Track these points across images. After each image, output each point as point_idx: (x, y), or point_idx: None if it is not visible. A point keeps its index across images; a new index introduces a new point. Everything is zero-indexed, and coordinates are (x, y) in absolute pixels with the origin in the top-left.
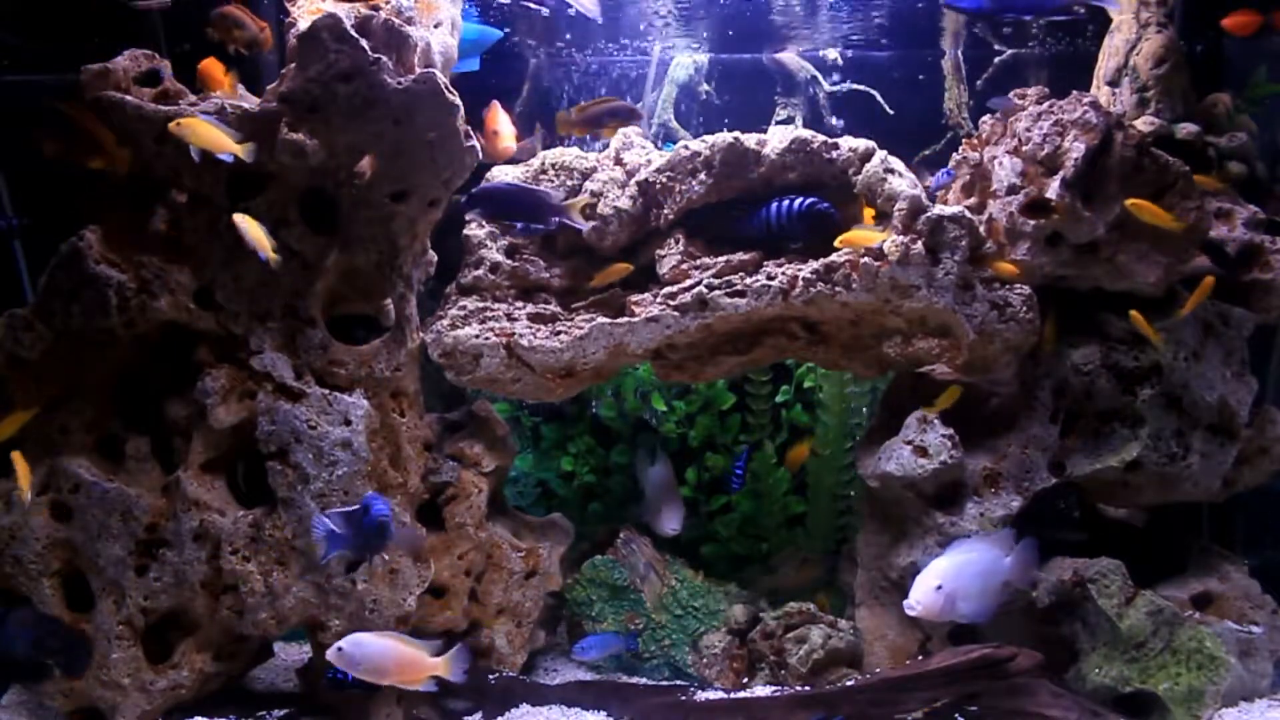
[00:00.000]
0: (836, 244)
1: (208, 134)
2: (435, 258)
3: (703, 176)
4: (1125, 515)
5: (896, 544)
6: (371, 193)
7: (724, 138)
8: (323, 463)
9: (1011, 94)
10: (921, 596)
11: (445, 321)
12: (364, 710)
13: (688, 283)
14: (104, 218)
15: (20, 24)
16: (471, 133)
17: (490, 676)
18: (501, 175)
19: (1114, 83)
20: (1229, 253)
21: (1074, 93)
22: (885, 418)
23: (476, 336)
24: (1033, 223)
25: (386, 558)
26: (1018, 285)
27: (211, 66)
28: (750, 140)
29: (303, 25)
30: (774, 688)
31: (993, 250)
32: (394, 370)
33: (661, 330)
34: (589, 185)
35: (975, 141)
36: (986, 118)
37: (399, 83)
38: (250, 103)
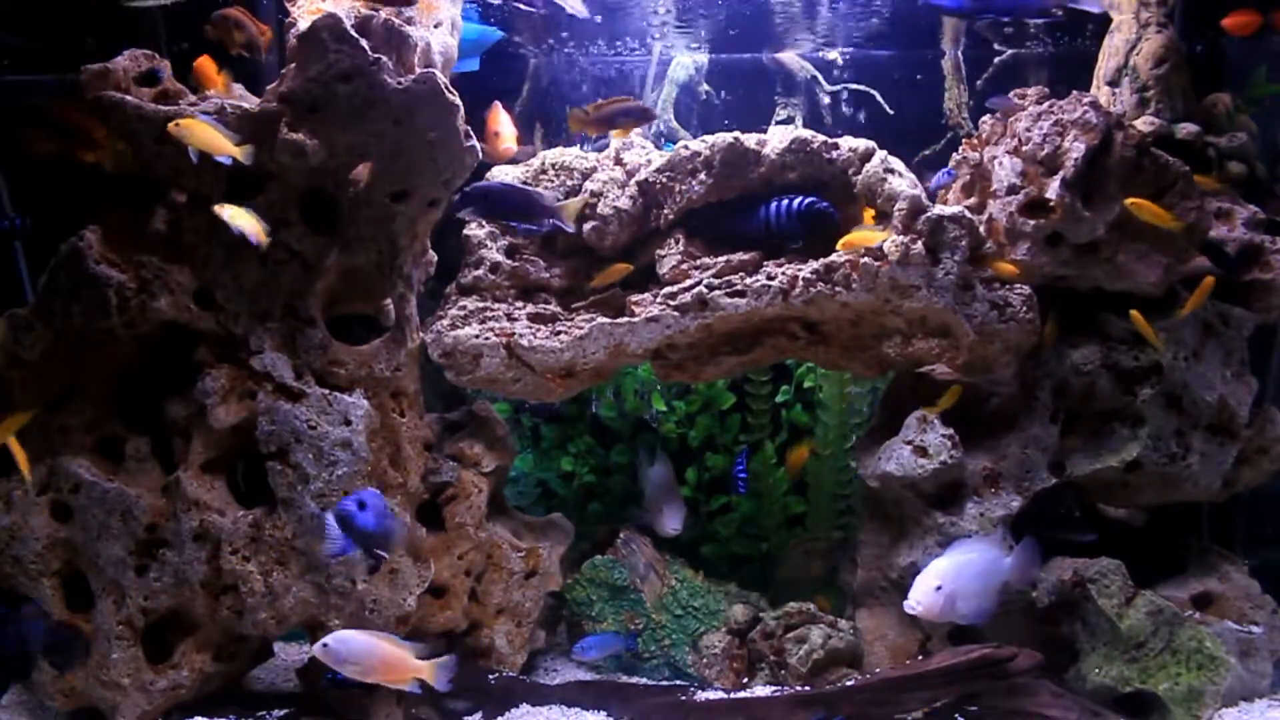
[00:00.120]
0: (838, 248)
1: (206, 135)
2: (435, 258)
3: (703, 176)
4: (1125, 515)
5: (896, 544)
6: (371, 193)
7: (724, 138)
8: (323, 463)
9: (1011, 94)
10: (921, 596)
11: (445, 321)
12: (364, 710)
13: (688, 283)
14: (104, 218)
15: (20, 24)
16: (471, 133)
17: (490, 676)
18: (501, 175)
19: (1114, 83)
20: (1229, 253)
21: (1074, 93)
22: (885, 418)
23: (476, 336)
24: (1033, 223)
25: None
26: (1018, 285)
27: (205, 65)
28: (750, 140)
29: (303, 25)
30: (774, 688)
31: (993, 250)
32: (394, 370)
33: (661, 330)
34: (589, 185)
35: (975, 141)
36: (986, 118)
37: (399, 83)
38: (250, 102)
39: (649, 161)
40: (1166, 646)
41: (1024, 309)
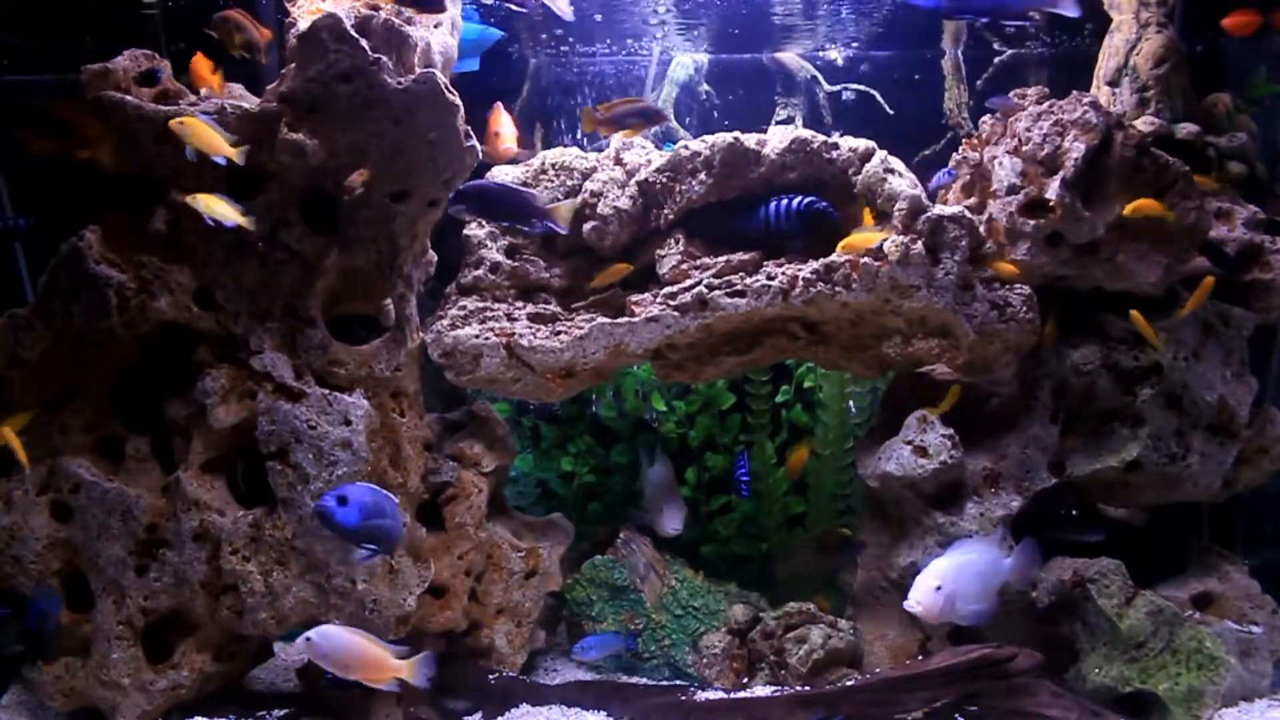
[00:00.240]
0: (838, 250)
1: (203, 135)
2: (435, 258)
3: (703, 176)
4: (1125, 515)
5: (896, 544)
6: (371, 193)
7: (724, 138)
8: (323, 463)
9: (1011, 94)
10: (921, 596)
11: (445, 321)
12: (364, 710)
13: (688, 283)
14: (104, 218)
15: (20, 24)
16: (471, 133)
17: (490, 676)
18: (501, 175)
19: (1114, 83)
20: (1229, 253)
21: (1074, 93)
22: (885, 418)
23: (476, 336)
24: (1033, 223)
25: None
26: (1018, 285)
27: (199, 64)
28: (750, 140)
29: (303, 25)
30: (774, 688)
31: (993, 250)
32: (394, 370)
33: (661, 330)
34: (589, 185)
35: (975, 141)
36: (986, 118)
37: (399, 83)
38: (250, 102)
39: (649, 161)
40: (1166, 646)
41: (1024, 309)
